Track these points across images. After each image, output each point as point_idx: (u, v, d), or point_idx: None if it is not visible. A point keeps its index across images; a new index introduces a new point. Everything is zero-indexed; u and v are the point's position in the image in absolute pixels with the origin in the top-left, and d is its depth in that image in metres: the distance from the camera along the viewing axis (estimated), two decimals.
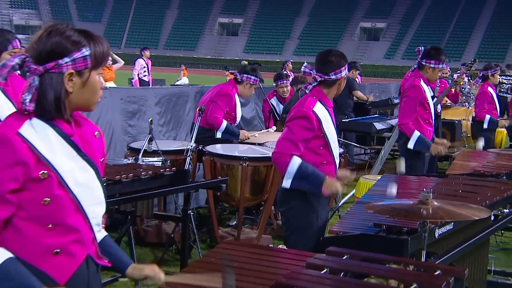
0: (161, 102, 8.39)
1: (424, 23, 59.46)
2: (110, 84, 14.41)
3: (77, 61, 2.24)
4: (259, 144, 6.96)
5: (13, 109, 4.57)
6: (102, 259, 2.41)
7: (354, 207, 4.37)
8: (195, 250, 5.82)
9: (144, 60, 18.19)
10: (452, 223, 3.82)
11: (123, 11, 67.58)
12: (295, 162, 4.03)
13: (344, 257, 2.89)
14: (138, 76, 18.10)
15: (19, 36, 4.60)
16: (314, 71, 4.26)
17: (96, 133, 2.45)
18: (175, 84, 24.54)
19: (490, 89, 8.96)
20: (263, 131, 8.21)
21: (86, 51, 2.25)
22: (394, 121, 9.60)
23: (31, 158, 2.19)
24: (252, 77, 7.10)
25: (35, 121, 2.24)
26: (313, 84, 4.25)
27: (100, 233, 2.44)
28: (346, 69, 4.26)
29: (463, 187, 4.68)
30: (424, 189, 3.17)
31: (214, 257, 2.90)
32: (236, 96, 7.14)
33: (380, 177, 5.47)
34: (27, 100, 2.22)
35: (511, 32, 56.31)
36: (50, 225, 2.24)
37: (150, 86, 17.26)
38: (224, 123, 6.88)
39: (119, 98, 7.78)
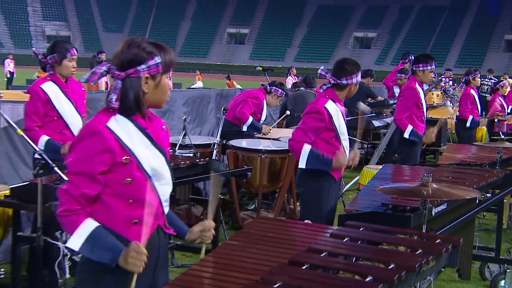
0: (188, 103, 8.58)
1: (410, 33, 59.33)
2: None
3: (151, 67, 2.42)
4: (274, 139, 7.18)
5: (73, 108, 4.78)
6: (169, 228, 2.63)
7: (363, 190, 4.54)
8: (220, 230, 6.02)
9: None
10: (446, 203, 3.97)
11: (142, 23, 67.50)
12: (307, 147, 4.24)
13: (360, 229, 3.05)
14: None
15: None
16: (329, 74, 4.42)
17: (164, 127, 2.64)
18: (191, 87, 24.65)
19: (472, 91, 9.05)
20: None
21: (158, 59, 2.43)
22: (389, 119, 9.74)
23: (117, 146, 2.38)
24: (280, 90, 7.37)
25: (119, 116, 2.42)
26: (328, 86, 4.43)
27: (166, 208, 2.66)
28: (358, 77, 4.39)
29: (453, 174, 4.81)
30: (425, 174, 3.36)
31: (252, 229, 3.11)
32: (265, 101, 7.37)
33: (381, 167, 5.66)
34: (113, 100, 2.41)
35: (487, 41, 56.25)
36: (130, 200, 2.42)
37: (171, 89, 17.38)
38: (250, 118, 7.10)
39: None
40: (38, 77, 23.45)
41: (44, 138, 4.56)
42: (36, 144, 4.61)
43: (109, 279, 2.40)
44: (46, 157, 3.46)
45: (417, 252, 2.69)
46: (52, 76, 4.71)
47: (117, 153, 2.38)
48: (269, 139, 7.17)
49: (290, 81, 19.44)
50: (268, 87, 7.35)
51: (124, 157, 2.40)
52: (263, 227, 3.12)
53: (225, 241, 2.95)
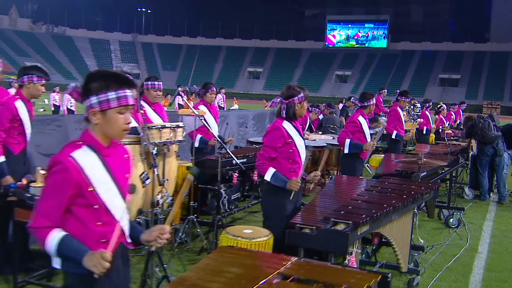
0: (254, 118, 9.59)
1: (374, 72, 59.61)
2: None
3: (299, 98, 3.52)
4: (312, 140, 8.18)
5: (213, 119, 5.73)
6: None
7: (381, 165, 5.38)
8: None
9: (221, 95, 19.38)
10: (426, 171, 4.80)
11: (189, 64, 68.00)
12: (347, 140, 5.22)
13: (390, 179, 4.09)
14: (217, 104, 19.29)
15: None
16: (357, 101, 5.49)
17: (301, 125, 3.79)
18: (230, 109, 25.46)
19: (427, 112, 10.19)
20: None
21: (302, 94, 3.52)
22: (378, 129, 10.62)
23: (286, 135, 3.44)
24: (317, 109, 8.70)
25: (285, 122, 3.52)
26: (357, 108, 5.52)
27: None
28: (374, 100, 5.38)
29: (425, 158, 5.82)
30: (419, 154, 4.46)
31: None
32: (309, 117, 8.41)
33: (383, 155, 6.71)
34: (284, 113, 3.58)
35: (427, 78, 56.70)
36: (290, 160, 3.56)
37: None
38: None
39: (235, 116, 9.06)
40: None
41: (199, 136, 5.65)
42: (194, 140, 5.75)
43: (283, 196, 3.52)
44: (221, 141, 4.56)
45: (422, 188, 3.80)
46: (202, 101, 5.84)
47: (286, 137, 3.51)
48: (308, 139, 8.23)
49: None
50: (310, 108, 8.47)
51: (289, 140, 3.51)
52: (333, 181, 4.23)
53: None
